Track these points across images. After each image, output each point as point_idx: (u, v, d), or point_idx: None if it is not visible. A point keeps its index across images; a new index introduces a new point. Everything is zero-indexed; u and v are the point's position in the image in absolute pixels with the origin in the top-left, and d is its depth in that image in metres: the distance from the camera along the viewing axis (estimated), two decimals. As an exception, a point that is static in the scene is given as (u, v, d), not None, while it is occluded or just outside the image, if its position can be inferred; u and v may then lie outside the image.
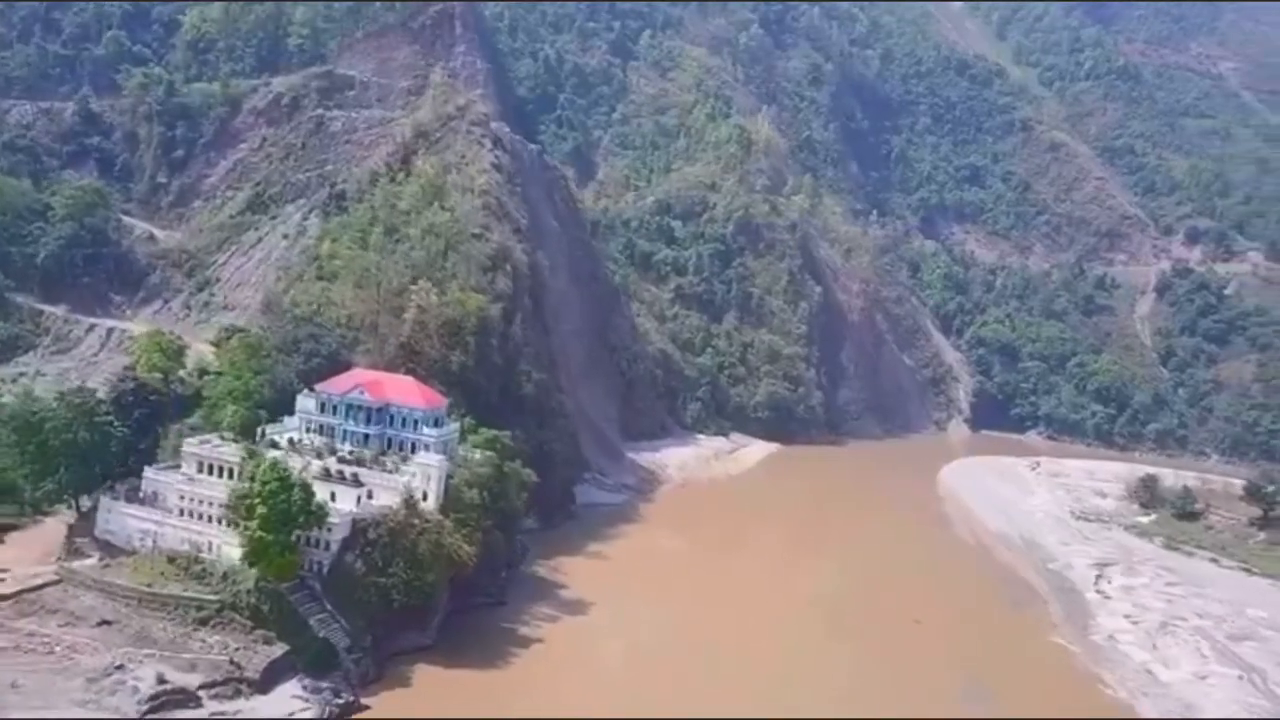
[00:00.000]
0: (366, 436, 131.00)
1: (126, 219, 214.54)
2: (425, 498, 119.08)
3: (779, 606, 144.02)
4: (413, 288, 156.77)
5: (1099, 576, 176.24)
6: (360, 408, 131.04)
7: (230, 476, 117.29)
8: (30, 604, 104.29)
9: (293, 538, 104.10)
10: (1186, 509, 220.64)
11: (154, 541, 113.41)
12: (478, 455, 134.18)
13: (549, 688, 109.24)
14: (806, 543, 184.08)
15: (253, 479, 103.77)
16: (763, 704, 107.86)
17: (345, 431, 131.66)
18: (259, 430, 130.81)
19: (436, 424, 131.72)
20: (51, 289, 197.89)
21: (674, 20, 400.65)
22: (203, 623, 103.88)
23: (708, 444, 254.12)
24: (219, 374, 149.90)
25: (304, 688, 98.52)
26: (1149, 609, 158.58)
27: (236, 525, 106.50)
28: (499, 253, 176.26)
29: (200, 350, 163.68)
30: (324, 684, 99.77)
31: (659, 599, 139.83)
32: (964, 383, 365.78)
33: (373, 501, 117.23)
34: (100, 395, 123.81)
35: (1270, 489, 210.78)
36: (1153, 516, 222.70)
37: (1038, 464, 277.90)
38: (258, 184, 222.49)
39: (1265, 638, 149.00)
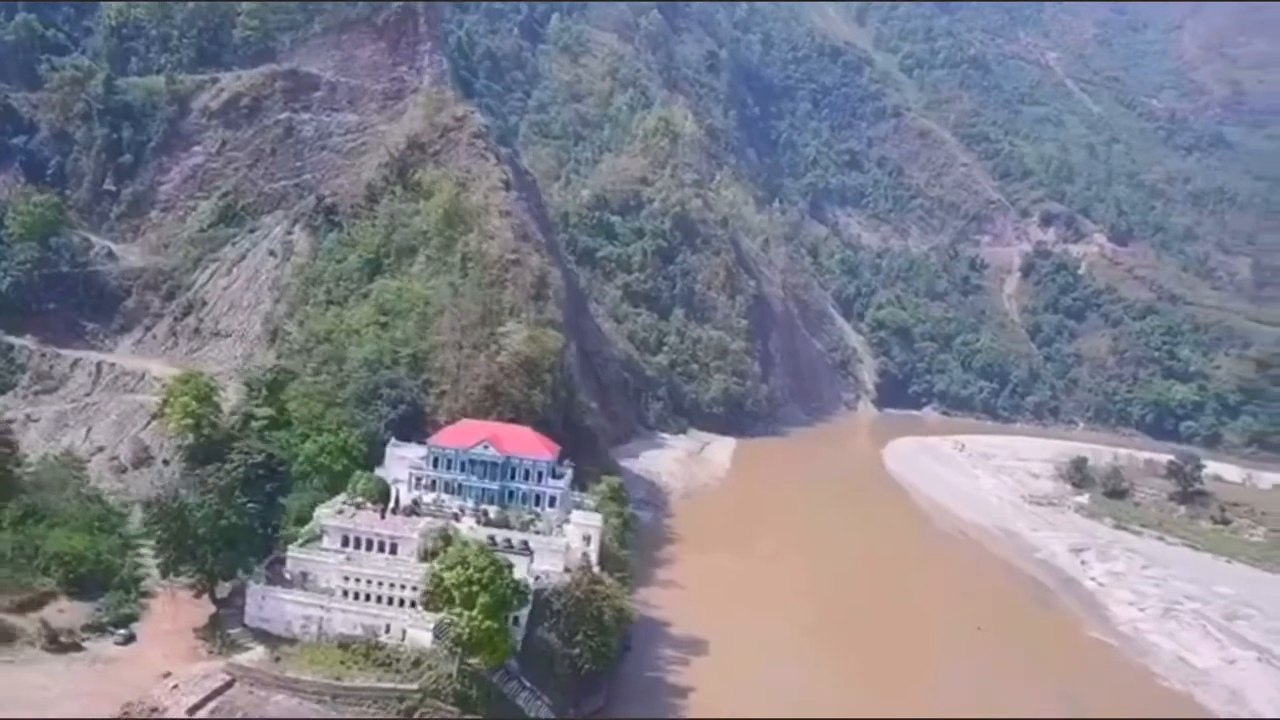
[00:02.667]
0: (484, 491, 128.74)
1: (85, 236, 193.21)
2: (586, 557, 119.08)
3: (857, 619, 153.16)
4: (501, 330, 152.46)
5: (1083, 564, 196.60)
6: (482, 462, 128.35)
7: (385, 551, 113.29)
8: (225, 709, 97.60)
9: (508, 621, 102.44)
10: (1115, 488, 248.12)
11: (319, 627, 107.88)
12: (590, 501, 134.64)
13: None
14: (833, 548, 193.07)
15: (463, 564, 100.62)
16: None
17: (465, 487, 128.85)
18: (351, 487, 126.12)
19: (555, 474, 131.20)
20: (12, 318, 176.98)
21: (578, 4, 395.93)
22: (407, 715, 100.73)
23: (675, 444, 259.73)
24: (287, 425, 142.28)
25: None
26: (1145, 595, 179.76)
27: (435, 608, 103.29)
28: (540, 278, 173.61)
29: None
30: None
31: (766, 625, 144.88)
32: (868, 364, 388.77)
33: (535, 566, 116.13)
34: (227, 469, 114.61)
35: (1190, 468, 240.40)
36: (1086, 496, 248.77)
37: (963, 445, 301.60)
38: (226, 194, 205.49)
39: (1249, 615, 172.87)
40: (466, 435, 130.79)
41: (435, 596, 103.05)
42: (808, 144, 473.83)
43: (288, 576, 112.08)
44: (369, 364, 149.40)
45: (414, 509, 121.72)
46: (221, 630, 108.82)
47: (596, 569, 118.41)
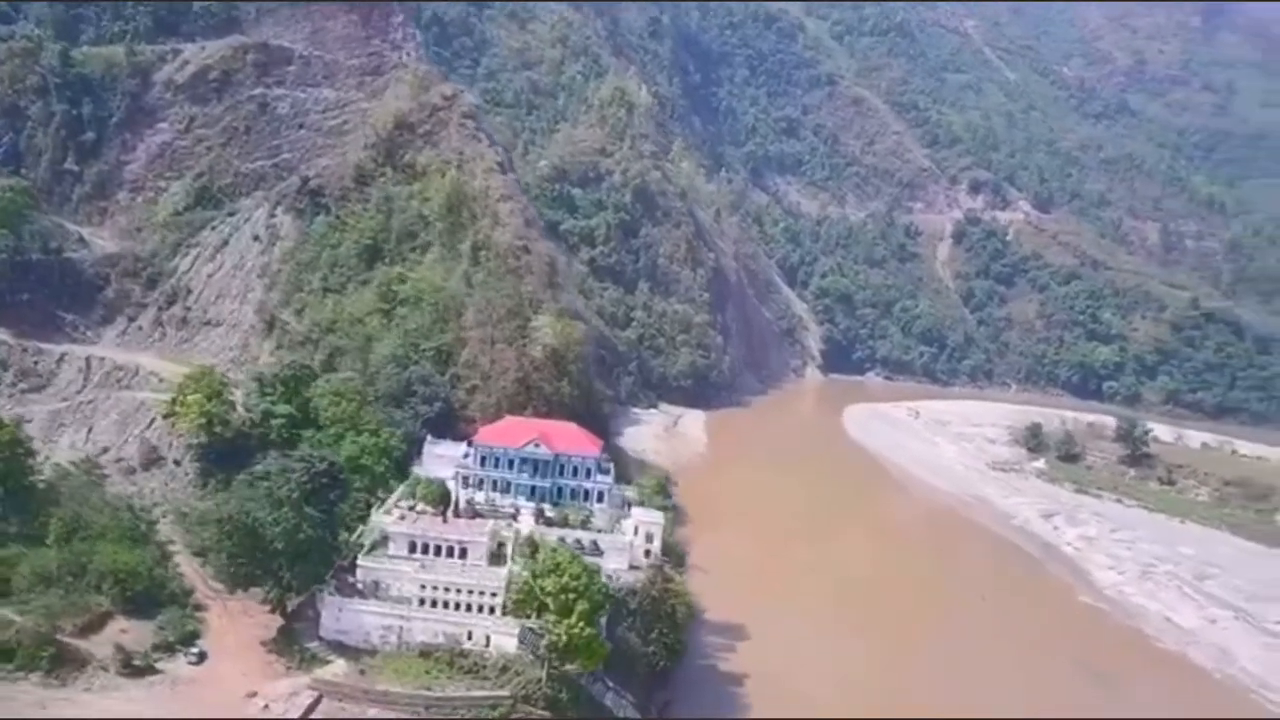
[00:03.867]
0: (534, 489, 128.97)
1: (60, 223, 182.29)
2: (648, 554, 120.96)
3: (873, 593, 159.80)
4: (537, 324, 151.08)
5: (1056, 529, 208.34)
6: (533, 460, 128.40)
7: (454, 555, 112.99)
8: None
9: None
10: (1068, 452, 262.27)
11: (399, 637, 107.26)
12: (630, 492, 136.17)
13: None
14: (830, 523, 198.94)
15: (557, 570, 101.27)
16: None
17: (515, 485, 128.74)
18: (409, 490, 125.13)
19: (602, 470, 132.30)
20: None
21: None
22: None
23: (650, 419, 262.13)
24: (313, 424, 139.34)
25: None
26: (1120, 558, 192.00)
27: (524, 615, 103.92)
28: (551, 265, 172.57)
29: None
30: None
31: (792, 605, 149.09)
32: (813, 331, 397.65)
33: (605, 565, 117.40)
34: (293, 478, 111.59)
35: (1138, 432, 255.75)
36: (1042, 461, 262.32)
37: (917, 413, 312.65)
38: (200, 174, 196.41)
39: (1215, 575, 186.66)
40: (514, 433, 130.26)
41: (525, 602, 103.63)
42: (746, 111, 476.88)
43: (359, 587, 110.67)
44: (397, 360, 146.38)
45: (474, 511, 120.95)
46: (299, 644, 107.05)
47: (656, 564, 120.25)
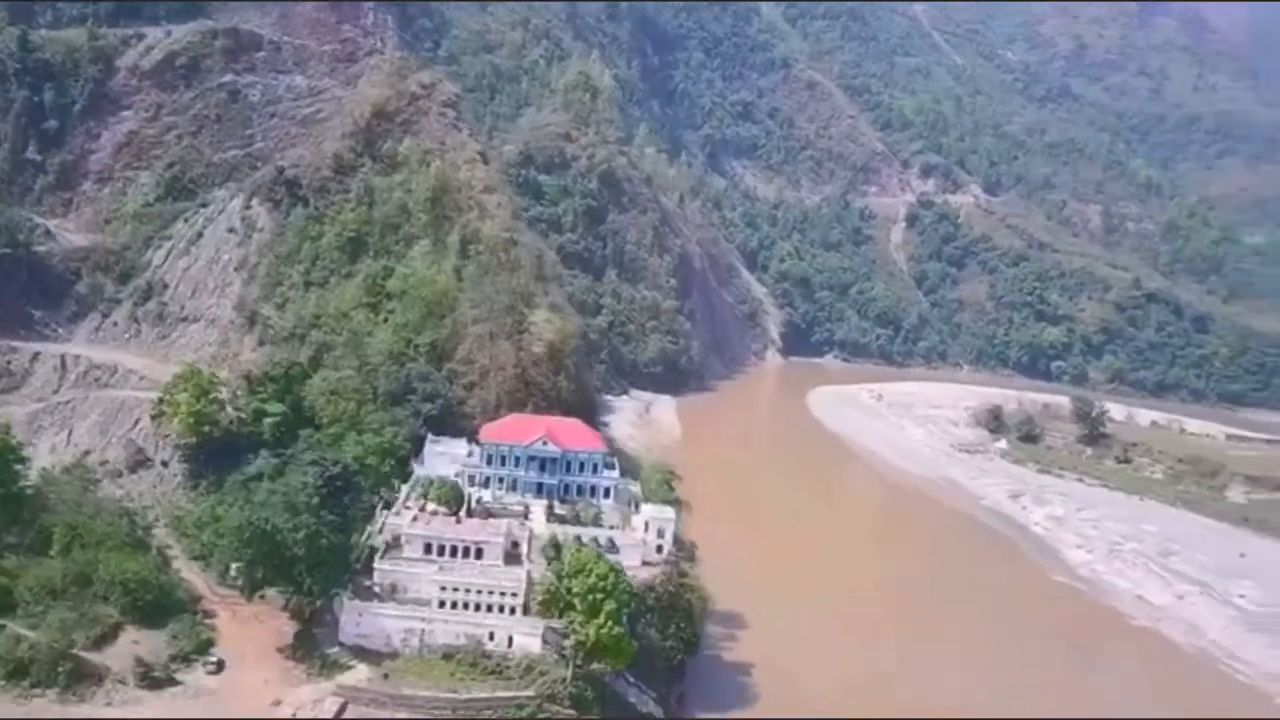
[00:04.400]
0: (542, 486, 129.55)
1: (29, 215, 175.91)
2: (660, 550, 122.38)
3: (864, 579, 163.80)
4: (534, 319, 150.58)
5: (1024, 509, 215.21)
6: (541, 458, 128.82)
7: (470, 556, 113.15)
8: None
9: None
10: (1029, 433, 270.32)
11: (420, 640, 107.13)
12: (635, 488, 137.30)
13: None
14: (813, 510, 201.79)
15: (584, 571, 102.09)
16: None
17: (522, 483, 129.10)
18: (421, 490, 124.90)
19: (608, 466, 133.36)
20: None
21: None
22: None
23: (622, 407, 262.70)
24: (310, 423, 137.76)
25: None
26: (1088, 537, 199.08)
27: (549, 615, 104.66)
28: (539, 257, 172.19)
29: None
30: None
31: (789, 593, 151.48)
32: (773, 315, 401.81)
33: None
34: (309, 482, 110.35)
35: (1095, 412, 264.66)
36: (1004, 442, 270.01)
37: (880, 395, 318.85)
38: (171, 164, 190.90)
39: (1178, 551, 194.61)
40: (520, 430, 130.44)
41: (551, 603, 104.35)
42: (703, 94, 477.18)
43: (377, 590, 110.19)
44: (394, 356, 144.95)
45: (488, 511, 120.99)
46: (319, 650, 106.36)
47: (669, 558, 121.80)
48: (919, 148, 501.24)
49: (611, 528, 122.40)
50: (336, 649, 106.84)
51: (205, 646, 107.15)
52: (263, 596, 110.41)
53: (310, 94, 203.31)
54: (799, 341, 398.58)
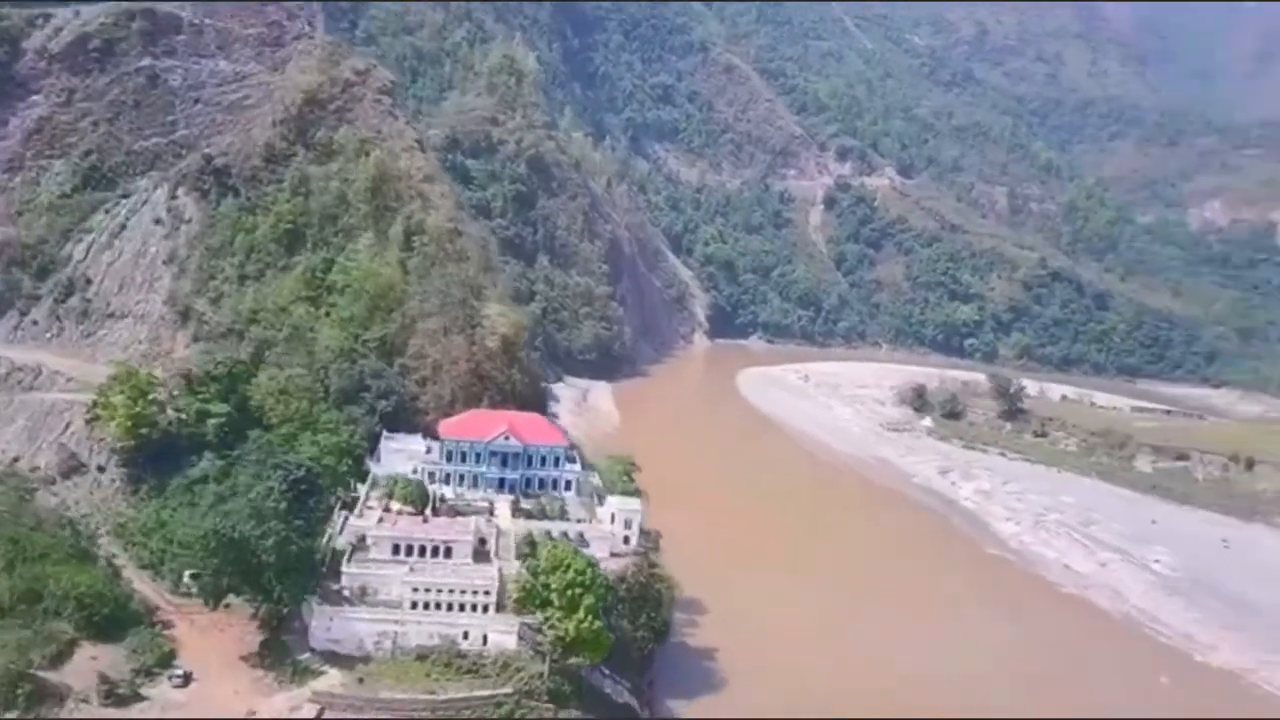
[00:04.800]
0: (503, 481, 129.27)
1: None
2: (627, 541, 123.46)
3: (816, 559, 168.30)
4: (488, 312, 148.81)
5: (953, 484, 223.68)
6: (503, 453, 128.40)
7: (440, 555, 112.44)
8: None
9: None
10: (952, 410, 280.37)
11: (393, 642, 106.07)
12: (595, 479, 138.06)
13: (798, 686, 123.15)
14: (755, 493, 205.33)
15: (562, 567, 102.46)
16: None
17: (483, 478, 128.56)
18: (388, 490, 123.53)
19: (570, 459, 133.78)
20: None
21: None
22: (507, 718, 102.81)
23: (558, 395, 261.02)
24: (259, 424, 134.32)
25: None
26: (1015, 510, 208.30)
27: (526, 611, 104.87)
28: (484, 248, 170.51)
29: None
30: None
31: (743, 575, 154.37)
32: (700, 298, 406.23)
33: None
34: (274, 488, 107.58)
35: (1013, 389, 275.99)
36: (928, 419, 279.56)
37: (806, 376, 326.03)
38: (88, 152, 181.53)
39: (1097, 520, 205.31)
40: (481, 425, 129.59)
41: (528, 599, 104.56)
42: (623, 77, 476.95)
43: (346, 594, 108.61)
44: (345, 353, 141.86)
45: (454, 509, 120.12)
46: (289, 657, 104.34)
47: (635, 548, 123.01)
48: (834, 131, 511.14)
49: (578, 521, 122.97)
50: (307, 655, 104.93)
51: (168, 659, 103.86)
52: (227, 605, 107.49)
53: (235, 79, 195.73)
54: (724, 324, 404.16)
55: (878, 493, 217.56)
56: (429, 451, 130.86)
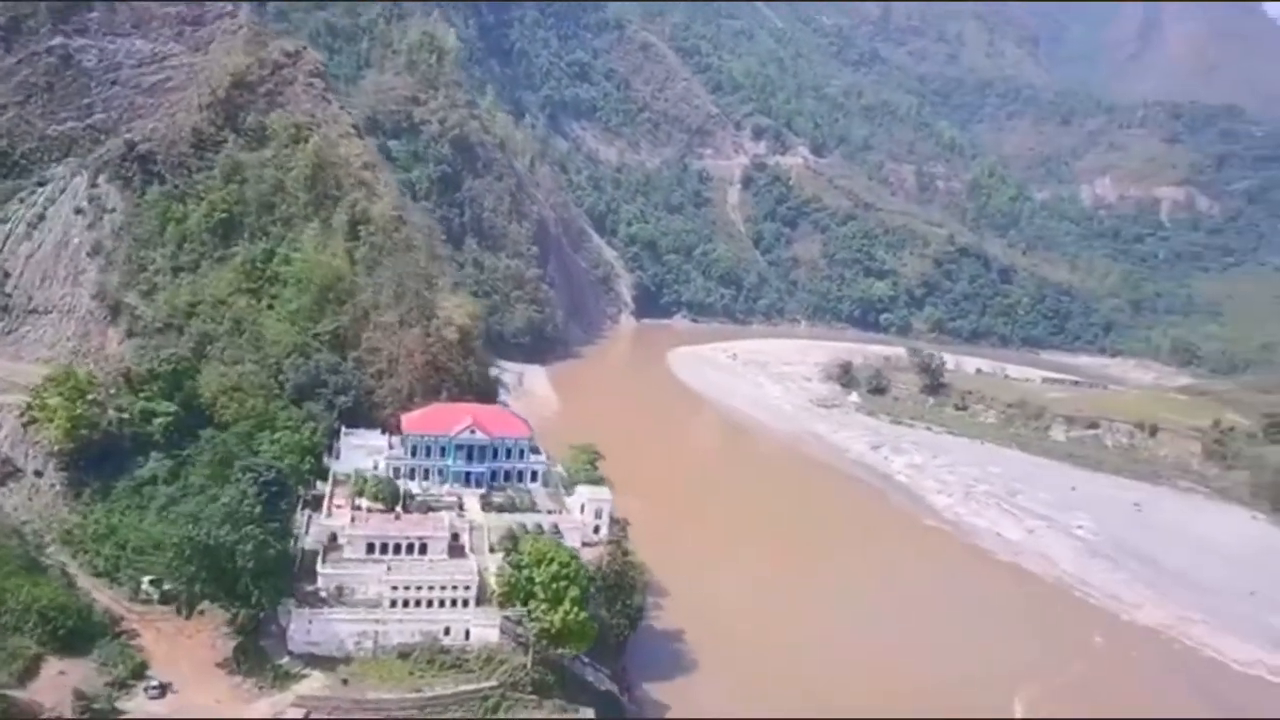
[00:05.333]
0: (469, 475, 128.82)
1: None
2: (597, 530, 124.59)
3: (767, 536, 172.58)
4: (444, 303, 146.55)
5: (886, 459, 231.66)
6: (468, 446, 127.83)
7: (415, 552, 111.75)
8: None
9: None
10: (877, 386, 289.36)
11: (374, 642, 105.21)
12: (560, 469, 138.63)
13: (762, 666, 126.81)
14: (698, 473, 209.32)
15: (546, 560, 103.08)
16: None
17: (449, 472, 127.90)
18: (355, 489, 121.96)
19: (534, 450, 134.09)
20: None
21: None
22: (492, 711, 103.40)
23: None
24: (211, 422, 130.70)
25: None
26: (946, 483, 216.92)
27: (509, 604, 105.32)
28: (428, 236, 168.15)
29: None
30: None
31: (701, 556, 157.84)
32: (624, 278, 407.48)
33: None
34: (246, 491, 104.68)
35: (935, 363, 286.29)
36: (855, 395, 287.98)
37: (735, 354, 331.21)
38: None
39: (1021, 490, 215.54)
40: (443, 419, 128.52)
41: (512, 593, 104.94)
42: (539, 54, 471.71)
43: (322, 594, 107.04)
44: (298, 348, 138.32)
45: (427, 505, 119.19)
46: (268, 661, 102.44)
47: (605, 537, 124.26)
48: (749, 110, 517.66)
49: (549, 512, 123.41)
50: (287, 659, 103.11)
51: (140, 670, 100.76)
52: (201, 613, 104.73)
53: (154, 60, 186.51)
54: (649, 304, 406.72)
55: (817, 469, 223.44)
56: (392, 447, 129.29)
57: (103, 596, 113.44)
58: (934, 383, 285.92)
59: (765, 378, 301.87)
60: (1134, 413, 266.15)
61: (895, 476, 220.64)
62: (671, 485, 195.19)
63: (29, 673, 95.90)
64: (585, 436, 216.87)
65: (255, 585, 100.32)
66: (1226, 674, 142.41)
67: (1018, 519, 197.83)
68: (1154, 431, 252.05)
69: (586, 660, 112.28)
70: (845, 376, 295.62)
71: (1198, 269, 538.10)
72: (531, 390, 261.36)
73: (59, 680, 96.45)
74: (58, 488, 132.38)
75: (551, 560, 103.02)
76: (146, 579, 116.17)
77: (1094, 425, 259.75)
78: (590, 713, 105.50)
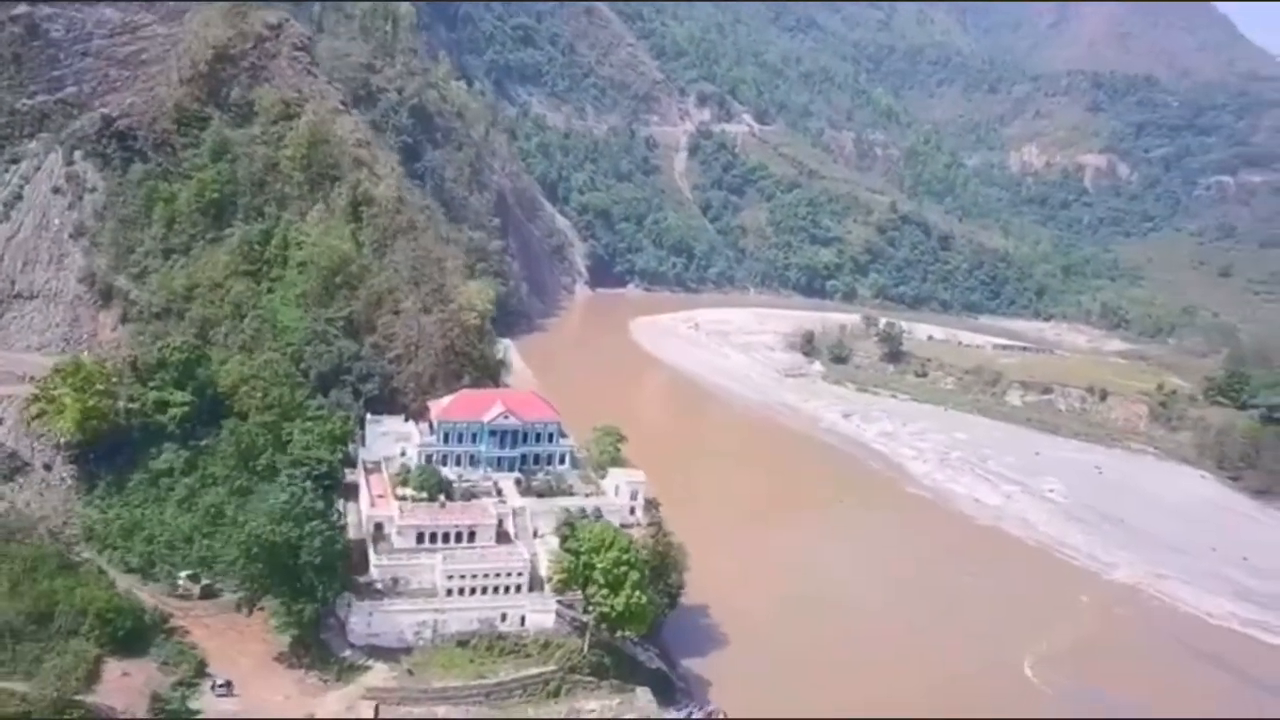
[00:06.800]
0: (501, 460, 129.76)
1: None
2: (633, 511, 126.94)
3: (762, 506, 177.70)
4: (463, 288, 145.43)
5: (859, 427, 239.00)
6: (502, 432, 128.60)
7: (463, 540, 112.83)
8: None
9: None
10: (839, 355, 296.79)
11: (434, 630, 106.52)
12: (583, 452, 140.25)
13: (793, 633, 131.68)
14: (685, 442, 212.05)
15: (605, 546, 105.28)
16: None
17: (482, 458, 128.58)
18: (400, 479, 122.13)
19: (563, 433, 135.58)
20: None
21: None
22: (554, 695, 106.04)
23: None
24: (233, 412, 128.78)
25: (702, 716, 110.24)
26: (920, 450, 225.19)
27: (570, 590, 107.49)
28: (429, 217, 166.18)
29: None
30: (697, 709, 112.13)
31: (711, 527, 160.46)
32: (578, 247, 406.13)
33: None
34: (303, 486, 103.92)
35: (895, 331, 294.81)
36: (817, 364, 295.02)
37: (697, 324, 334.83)
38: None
39: (990, 455, 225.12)
40: (475, 405, 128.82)
41: (571, 579, 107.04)
42: (483, 18, 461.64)
43: (378, 586, 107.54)
44: (319, 335, 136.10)
45: (471, 493, 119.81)
46: (331, 655, 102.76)
47: (642, 518, 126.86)
48: (693, 76, 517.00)
49: (586, 495, 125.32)
50: (349, 651, 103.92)
51: (200, 669, 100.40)
52: (261, 609, 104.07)
53: (127, 30, 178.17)
54: (603, 273, 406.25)
55: (797, 439, 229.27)
56: (424, 434, 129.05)
57: (143, 594, 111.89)
58: (894, 350, 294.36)
59: (730, 348, 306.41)
60: (1082, 377, 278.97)
61: (871, 445, 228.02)
62: (662, 458, 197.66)
63: (92, 676, 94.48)
64: (567, 413, 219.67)
65: (320, 579, 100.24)
66: (1203, 627, 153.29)
67: (993, 484, 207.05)
68: (1104, 396, 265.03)
69: (635, 640, 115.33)
70: (808, 345, 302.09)
71: (1119, 234, 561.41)
72: (507, 365, 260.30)
73: (124, 683, 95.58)
74: (69, 482, 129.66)
75: (611, 545, 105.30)
76: (183, 574, 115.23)
77: (1047, 390, 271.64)
78: (648, 692, 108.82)
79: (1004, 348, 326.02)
